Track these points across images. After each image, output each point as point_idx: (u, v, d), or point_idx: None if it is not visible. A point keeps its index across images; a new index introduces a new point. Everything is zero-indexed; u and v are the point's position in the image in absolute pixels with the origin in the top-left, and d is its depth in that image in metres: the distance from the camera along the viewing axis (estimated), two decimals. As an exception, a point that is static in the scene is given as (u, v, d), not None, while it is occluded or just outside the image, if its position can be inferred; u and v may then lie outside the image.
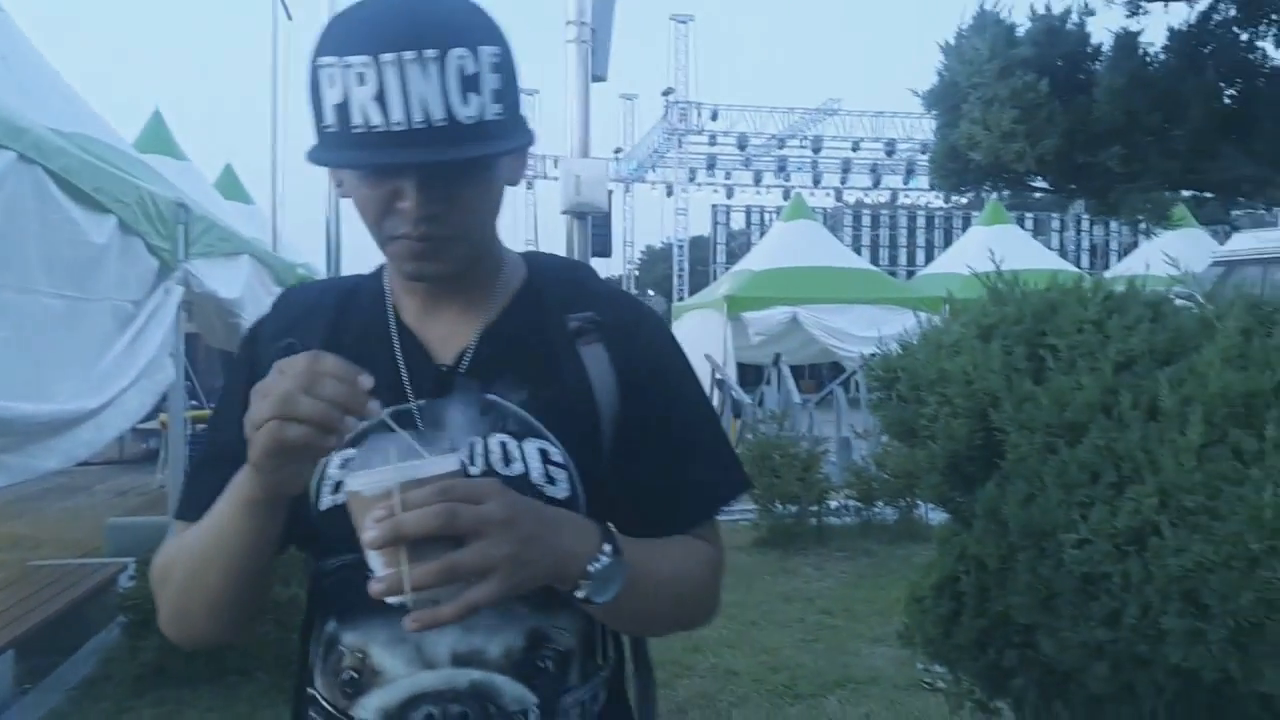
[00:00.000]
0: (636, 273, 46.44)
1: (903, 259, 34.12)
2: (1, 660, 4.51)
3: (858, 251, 24.77)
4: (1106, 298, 1.65)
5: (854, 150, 31.24)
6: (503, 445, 1.11)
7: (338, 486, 1.10)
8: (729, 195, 35.05)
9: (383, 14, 1.01)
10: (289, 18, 13.62)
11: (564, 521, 1.01)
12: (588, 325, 1.19)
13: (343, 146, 1.02)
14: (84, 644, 5.47)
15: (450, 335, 1.18)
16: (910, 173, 32.32)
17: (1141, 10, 2.04)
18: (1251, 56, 2.14)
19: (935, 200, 35.47)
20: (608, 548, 1.00)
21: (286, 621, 4.35)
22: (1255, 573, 1.27)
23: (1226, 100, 2.05)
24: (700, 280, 32.13)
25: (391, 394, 1.12)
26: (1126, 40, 2.05)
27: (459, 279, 1.16)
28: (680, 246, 34.62)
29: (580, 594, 0.99)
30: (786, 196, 27.30)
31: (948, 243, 28.61)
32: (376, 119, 0.99)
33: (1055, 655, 1.63)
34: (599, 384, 1.17)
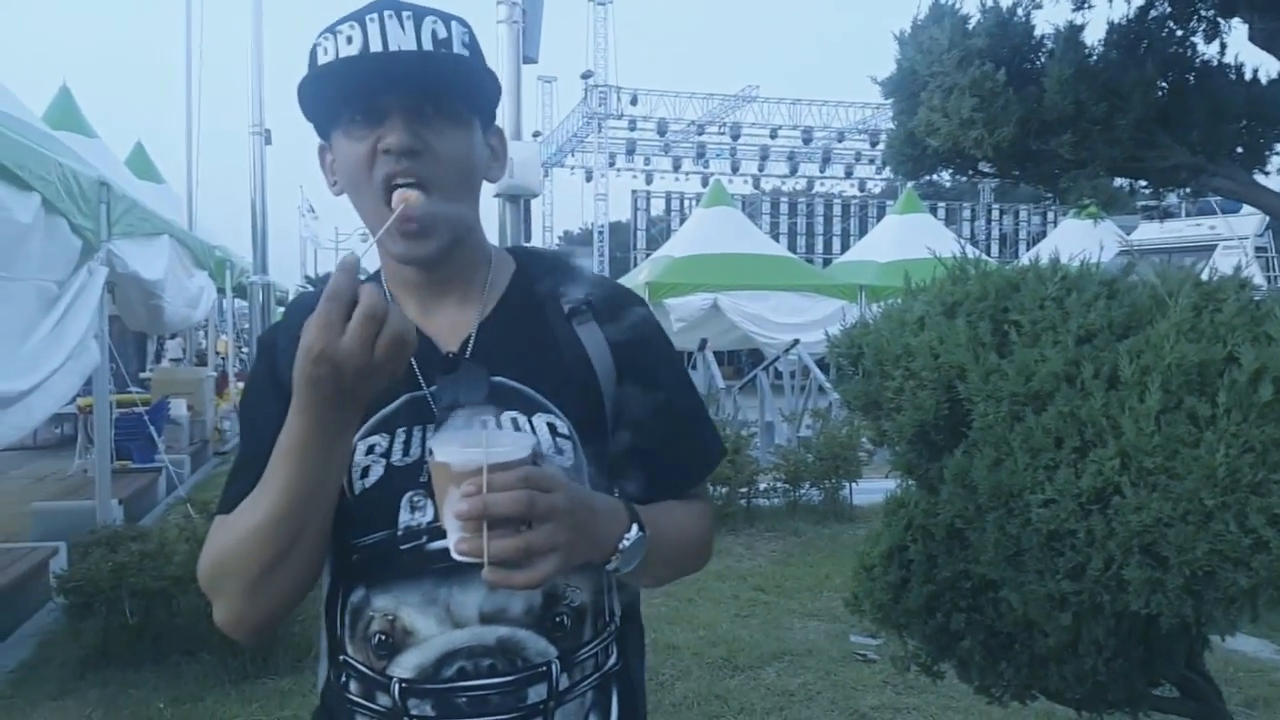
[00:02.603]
0: (556, 258, 45.98)
1: (819, 246, 34.48)
2: (-62, 645, 4.39)
3: (775, 238, 25.00)
4: (1064, 277, 1.77)
5: (772, 138, 31.56)
6: (514, 421, 1.18)
7: (366, 471, 1.17)
8: (648, 181, 34.95)
9: (368, 3, 1.15)
10: (204, -8, 13.26)
11: (603, 508, 1.10)
12: (581, 306, 1.27)
13: (331, 88, 1.15)
14: (17, 628, 5.35)
15: (451, 327, 1.24)
16: (827, 161, 32.77)
17: (1087, 4, 2.17)
18: (1183, 51, 2.29)
19: (850, 189, 36.08)
20: (634, 527, 1.10)
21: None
22: (1209, 526, 1.39)
23: (1163, 92, 2.19)
24: (621, 267, 32.03)
25: (404, 383, 1.19)
26: (1072, 34, 2.17)
27: (450, 270, 1.24)
28: (601, 232, 34.55)
29: (610, 567, 1.10)
30: (705, 183, 27.40)
31: (863, 231, 29.04)
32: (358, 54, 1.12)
33: (1020, 608, 1.74)
34: (597, 359, 1.25)
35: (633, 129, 31.62)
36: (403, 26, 1.11)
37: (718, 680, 4.65)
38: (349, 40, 1.11)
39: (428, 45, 1.12)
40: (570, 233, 53.77)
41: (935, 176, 2.31)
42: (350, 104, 1.14)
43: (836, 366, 2.12)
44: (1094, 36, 2.32)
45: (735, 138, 31.73)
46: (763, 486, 8.28)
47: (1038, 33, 2.31)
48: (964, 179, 2.30)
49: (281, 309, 9.79)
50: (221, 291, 10.90)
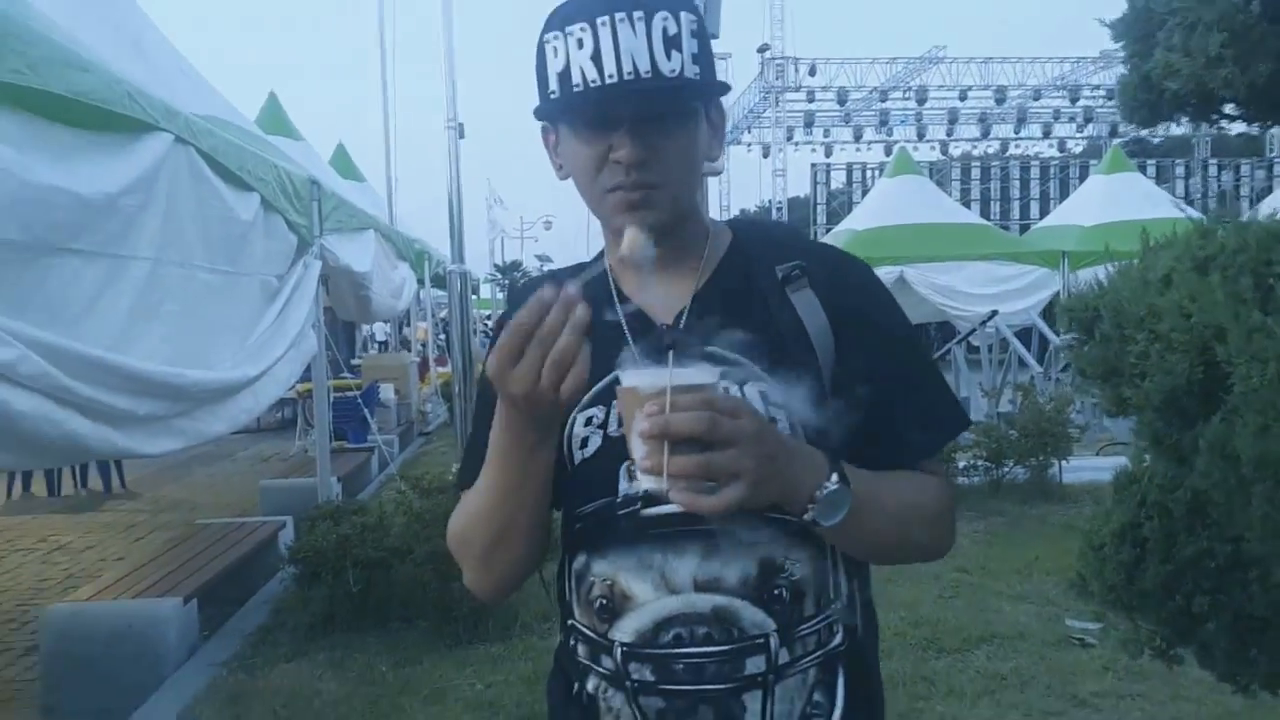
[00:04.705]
0: (735, 237, 45.87)
1: (1015, 212, 32.63)
2: (188, 609, 4.88)
3: (967, 206, 23.93)
4: (1337, 224, 1.59)
5: (961, 100, 30.26)
6: (725, 390, 1.15)
7: (585, 442, 1.20)
8: (828, 154, 34.07)
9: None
10: None
11: (797, 449, 1.07)
12: (796, 272, 1.24)
13: (567, 108, 1.16)
14: (252, 595, 5.88)
15: (667, 299, 1.25)
16: (1022, 121, 31.16)
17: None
18: None
19: (1048, 150, 34.23)
20: (834, 476, 1.06)
21: (444, 571, 4.56)
22: None
23: None
24: (800, 243, 31.45)
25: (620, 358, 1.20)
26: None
27: (669, 246, 1.23)
28: (779, 209, 34.13)
29: (807, 516, 1.05)
30: (888, 153, 26.51)
31: (1064, 194, 27.34)
32: (593, 75, 1.11)
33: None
34: (812, 326, 1.21)
35: (811, 100, 31.04)
36: (634, 30, 1.10)
37: (923, 661, 4.53)
38: (580, 45, 1.11)
39: (659, 48, 1.11)
40: (747, 210, 53.09)
41: (1168, 128, 2.12)
42: (584, 111, 1.16)
43: (1064, 332, 1.99)
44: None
45: (921, 102, 30.61)
46: (962, 465, 7.97)
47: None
48: (1208, 125, 2.10)
49: (474, 296, 10.18)
50: (421, 282, 11.45)
